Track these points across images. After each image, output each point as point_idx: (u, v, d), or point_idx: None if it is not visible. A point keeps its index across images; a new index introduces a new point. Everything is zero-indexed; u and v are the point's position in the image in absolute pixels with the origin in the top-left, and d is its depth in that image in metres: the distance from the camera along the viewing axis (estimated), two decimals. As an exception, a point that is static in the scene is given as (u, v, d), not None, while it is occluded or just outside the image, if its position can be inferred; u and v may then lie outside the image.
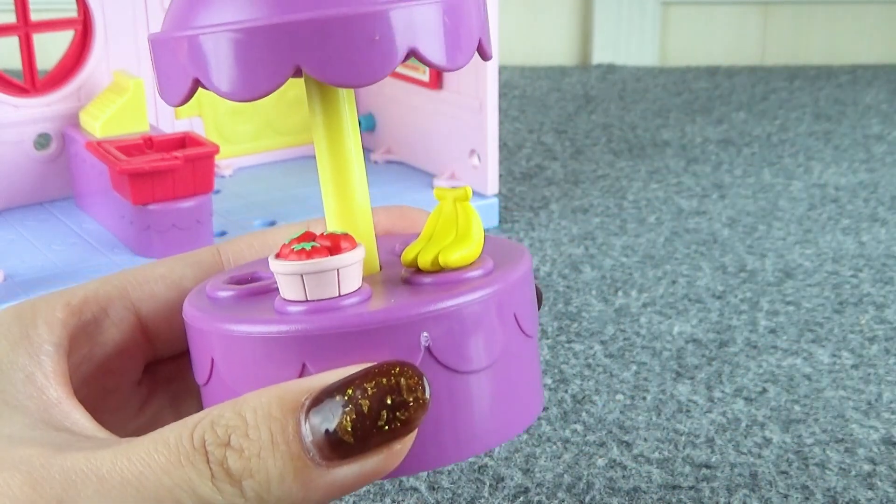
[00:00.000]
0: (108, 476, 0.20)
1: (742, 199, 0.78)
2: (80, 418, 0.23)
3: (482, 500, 0.41)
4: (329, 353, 0.22)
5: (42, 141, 0.71)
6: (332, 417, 0.20)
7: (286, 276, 0.23)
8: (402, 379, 0.21)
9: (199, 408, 0.27)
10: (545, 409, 0.47)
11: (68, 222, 0.68)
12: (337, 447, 0.20)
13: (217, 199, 0.73)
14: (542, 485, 0.42)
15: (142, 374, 0.28)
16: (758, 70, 1.24)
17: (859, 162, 0.87)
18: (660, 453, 0.44)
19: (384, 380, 0.21)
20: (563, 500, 0.41)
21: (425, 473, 0.41)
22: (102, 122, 0.66)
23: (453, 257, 0.23)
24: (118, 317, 0.26)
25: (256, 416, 0.21)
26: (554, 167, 0.85)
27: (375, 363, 0.21)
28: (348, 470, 0.21)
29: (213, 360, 0.24)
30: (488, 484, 0.42)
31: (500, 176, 0.81)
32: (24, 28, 0.68)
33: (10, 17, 0.68)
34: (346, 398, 0.20)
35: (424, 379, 0.21)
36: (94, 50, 0.70)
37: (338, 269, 0.23)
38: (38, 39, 0.69)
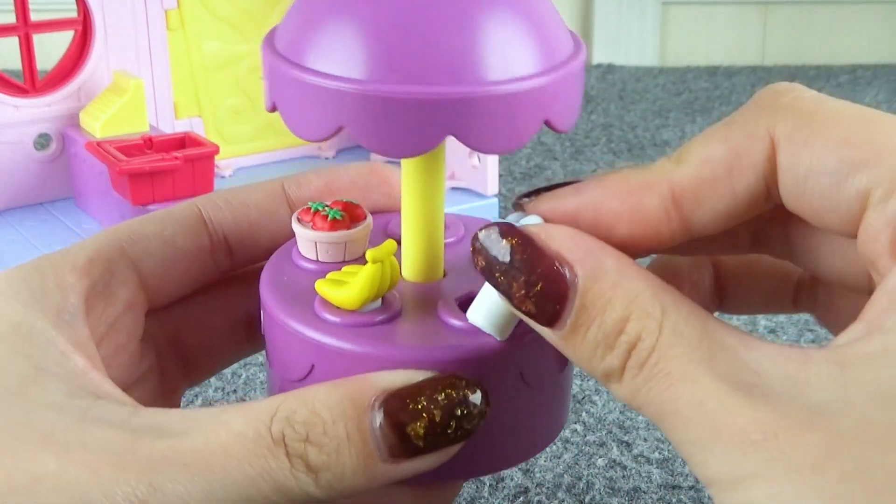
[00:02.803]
0: (193, 464, 0.22)
1: (742, 199, 0.78)
2: (111, 389, 0.24)
3: (482, 500, 0.41)
4: (342, 368, 0.25)
5: (42, 141, 0.71)
6: (404, 421, 0.23)
7: (306, 239, 0.27)
8: (468, 392, 0.23)
9: (182, 364, 0.30)
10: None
11: (68, 222, 0.68)
12: (406, 448, 0.23)
13: (217, 199, 0.73)
14: (542, 485, 0.42)
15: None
16: (758, 70, 1.24)
17: (859, 162, 0.87)
18: (660, 453, 0.44)
19: (453, 392, 0.23)
20: (563, 501, 0.41)
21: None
22: (102, 123, 0.66)
23: (323, 289, 0.26)
24: (123, 275, 0.27)
25: (332, 413, 0.23)
26: (554, 167, 0.85)
27: (443, 374, 0.24)
28: (409, 465, 0.23)
29: (265, 330, 0.27)
30: (488, 484, 0.42)
31: (500, 176, 0.81)
32: (24, 28, 0.68)
33: (10, 18, 0.67)
34: (418, 406, 0.23)
35: (486, 393, 0.23)
36: (94, 50, 0.70)
37: (346, 243, 0.27)
38: (38, 40, 0.69)
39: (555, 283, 0.22)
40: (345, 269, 0.27)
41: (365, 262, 0.26)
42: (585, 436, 0.45)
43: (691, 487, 0.42)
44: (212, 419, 0.23)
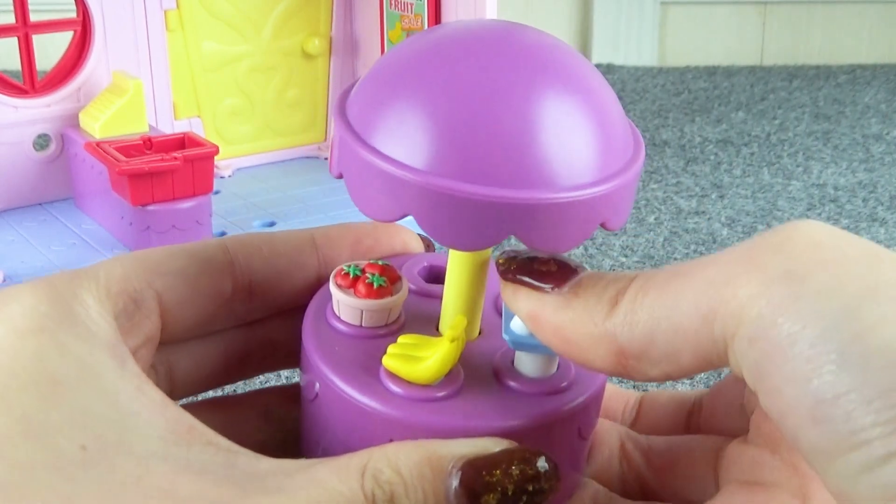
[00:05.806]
0: None
1: (741, 199, 0.78)
2: (199, 424, 0.24)
3: (482, 500, 0.41)
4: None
5: (41, 142, 0.71)
6: (479, 491, 0.23)
7: (351, 307, 0.27)
8: (542, 469, 0.24)
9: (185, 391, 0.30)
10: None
11: (68, 223, 0.68)
12: None
13: (216, 199, 0.73)
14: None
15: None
16: (757, 70, 1.24)
17: (858, 161, 0.87)
18: (659, 453, 0.44)
19: (528, 468, 0.24)
20: (562, 500, 0.41)
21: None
22: (102, 123, 0.67)
23: (394, 366, 0.26)
24: (147, 308, 0.27)
25: (412, 475, 0.24)
26: (553, 167, 0.85)
27: (518, 447, 0.24)
28: None
29: (317, 391, 0.27)
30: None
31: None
32: (24, 29, 0.68)
33: (10, 18, 0.68)
34: (493, 479, 0.24)
35: (558, 470, 0.24)
36: (94, 51, 0.70)
37: (390, 308, 0.28)
38: (38, 40, 0.69)
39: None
40: (402, 340, 0.27)
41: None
42: (585, 435, 0.45)
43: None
44: (303, 474, 0.23)
